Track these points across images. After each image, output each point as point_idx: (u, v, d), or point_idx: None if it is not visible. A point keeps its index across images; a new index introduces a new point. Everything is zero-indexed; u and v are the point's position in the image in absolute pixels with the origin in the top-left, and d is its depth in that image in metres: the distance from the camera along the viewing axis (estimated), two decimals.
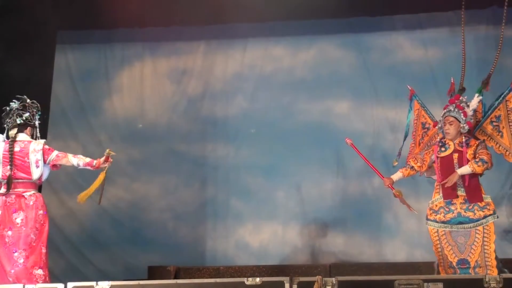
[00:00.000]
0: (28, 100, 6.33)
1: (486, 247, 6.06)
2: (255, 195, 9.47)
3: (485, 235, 6.08)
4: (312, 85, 9.71)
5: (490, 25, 9.08)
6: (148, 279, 8.56)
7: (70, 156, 6.35)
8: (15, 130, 6.23)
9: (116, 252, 9.58)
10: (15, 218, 6.04)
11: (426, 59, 9.37)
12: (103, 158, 6.34)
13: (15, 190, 6.10)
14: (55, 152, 6.34)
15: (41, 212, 6.17)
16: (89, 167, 6.36)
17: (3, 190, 6.09)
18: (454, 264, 6.13)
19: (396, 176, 6.57)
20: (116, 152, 9.70)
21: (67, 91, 10.19)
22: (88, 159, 6.34)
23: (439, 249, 6.22)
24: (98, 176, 6.45)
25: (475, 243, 6.09)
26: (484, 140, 6.38)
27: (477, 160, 6.16)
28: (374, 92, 9.48)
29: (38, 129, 6.39)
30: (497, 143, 6.33)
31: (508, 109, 6.35)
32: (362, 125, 9.42)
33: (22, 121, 6.26)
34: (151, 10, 9.26)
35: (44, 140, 6.36)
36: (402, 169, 6.59)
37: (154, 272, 8.80)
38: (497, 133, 6.35)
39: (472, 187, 6.18)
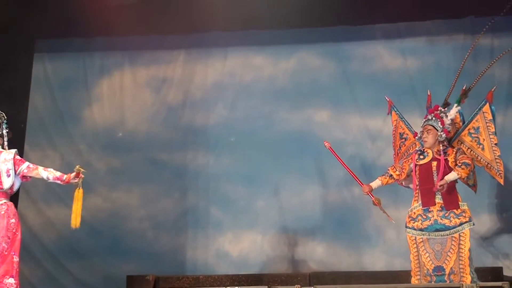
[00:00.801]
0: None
1: (461, 254, 6.18)
2: (235, 204, 9.45)
3: (461, 242, 6.20)
4: (292, 94, 9.72)
5: (468, 34, 9.15)
6: None
7: (40, 168, 6.25)
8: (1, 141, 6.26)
9: (95, 261, 9.51)
10: None
11: (405, 68, 9.43)
12: (73, 174, 6.21)
13: None
14: (26, 164, 6.25)
15: (13, 220, 6.06)
16: (59, 181, 6.25)
17: None
18: (431, 271, 6.22)
19: (375, 183, 6.68)
20: (96, 161, 9.84)
21: (45, 100, 10.13)
22: (58, 173, 6.24)
23: (416, 257, 6.32)
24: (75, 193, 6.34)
25: (451, 250, 6.20)
26: (459, 147, 6.51)
27: (459, 164, 6.29)
28: (353, 101, 9.51)
29: (5, 139, 6.31)
30: (478, 155, 6.44)
31: (486, 121, 6.46)
32: (342, 134, 9.44)
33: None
34: (130, 19, 9.22)
35: (16, 150, 6.27)
36: (381, 177, 6.69)
37: (133, 281, 8.74)
38: (478, 145, 6.46)
39: (449, 194, 6.29)
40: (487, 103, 6.52)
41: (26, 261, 9.54)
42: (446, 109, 6.63)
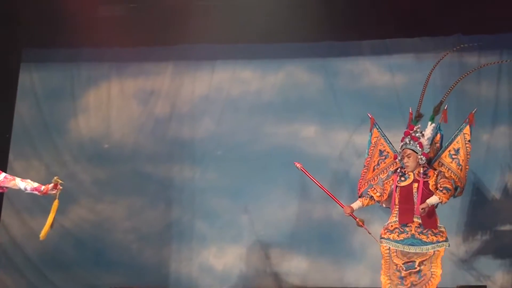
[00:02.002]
0: None
1: (433, 270, 6.28)
2: (220, 218, 9.41)
3: (433, 259, 6.31)
4: (280, 108, 9.71)
5: (455, 52, 9.18)
6: None
7: (18, 179, 6.20)
8: None
9: (79, 273, 9.46)
10: None
11: (393, 85, 9.43)
12: (51, 185, 6.15)
13: None
14: (3, 174, 6.23)
15: None
16: (36, 192, 6.22)
17: None
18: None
19: (356, 205, 6.73)
20: (81, 172, 9.79)
21: (31, 110, 10.09)
22: (36, 184, 6.18)
23: (387, 267, 6.42)
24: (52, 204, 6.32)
25: (425, 260, 6.31)
26: (441, 170, 6.56)
27: (441, 189, 6.38)
28: (340, 116, 9.49)
29: None
30: (458, 176, 6.51)
31: (465, 141, 6.56)
32: (328, 149, 9.43)
33: None
34: (118, 30, 9.21)
35: None
36: (361, 198, 6.78)
37: None
38: (458, 166, 6.53)
39: (428, 215, 6.36)
40: (468, 125, 6.62)
41: (9, 272, 9.51)
42: (419, 126, 6.71)
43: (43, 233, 6.37)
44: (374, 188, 6.76)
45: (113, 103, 10.13)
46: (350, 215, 6.67)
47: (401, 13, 8.70)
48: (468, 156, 6.57)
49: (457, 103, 9.05)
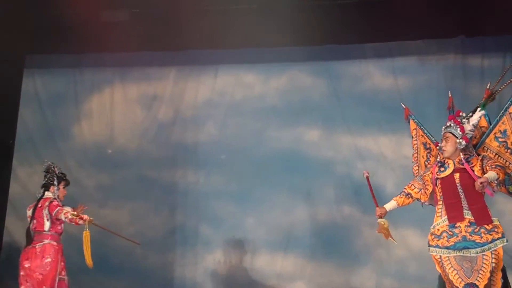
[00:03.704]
0: (49, 163, 7.41)
1: (494, 274, 5.60)
2: (225, 222, 9.41)
3: (494, 261, 5.58)
4: (283, 112, 9.72)
5: (459, 54, 9.19)
6: None
7: (63, 212, 7.06)
8: (42, 189, 7.28)
9: (83, 278, 9.40)
10: None
11: (396, 87, 9.42)
12: (80, 221, 7.07)
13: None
14: (57, 208, 7.09)
15: (48, 260, 7.08)
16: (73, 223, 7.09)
17: None
18: None
19: (390, 205, 6.08)
20: (85, 178, 9.79)
21: (35, 115, 10.10)
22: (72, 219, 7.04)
23: (445, 277, 5.75)
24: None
25: (483, 268, 5.56)
26: (485, 155, 5.88)
27: (493, 166, 5.64)
28: (344, 120, 9.50)
29: (55, 187, 7.30)
30: (506, 161, 5.84)
31: None
32: (332, 153, 9.43)
33: (45, 182, 7.31)
34: (121, 36, 9.21)
35: (52, 197, 7.18)
36: (396, 197, 6.13)
37: None
38: (506, 149, 5.86)
39: (480, 208, 5.69)
40: None
41: (15, 279, 9.48)
42: (470, 114, 6.03)
43: (88, 262, 7.27)
44: (412, 184, 6.12)
45: (116, 108, 10.14)
46: (380, 217, 6.02)
47: (404, 16, 8.68)
48: None
49: (460, 105, 9.04)
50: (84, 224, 7.04)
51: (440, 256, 5.73)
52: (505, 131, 5.87)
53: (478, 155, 5.89)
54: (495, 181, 5.61)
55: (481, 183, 5.45)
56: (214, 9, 9.22)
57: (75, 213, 7.02)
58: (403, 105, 6.67)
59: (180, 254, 9.45)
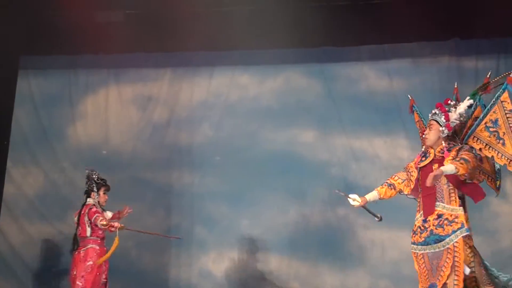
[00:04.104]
0: (88, 170, 7.76)
1: (456, 268, 5.38)
2: (219, 223, 9.41)
3: (455, 253, 5.40)
4: (278, 113, 9.72)
5: (453, 56, 9.22)
6: None
7: (99, 220, 7.36)
8: (85, 195, 7.66)
9: None
10: None
11: (391, 89, 9.43)
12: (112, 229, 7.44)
13: None
14: (95, 215, 7.41)
15: (89, 263, 7.38)
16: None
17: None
18: None
19: (371, 195, 5.88)
20: (80, 179, 9.74)
21: (29, 116, 10.08)
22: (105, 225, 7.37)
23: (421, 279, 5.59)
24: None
25: (445, 264, 5.40)
26: (466, 144, 5.68)
27: (458, 159, 5.44)
28: (339, 121, 9.51)
29: (96, 194, 7.66)
30: (498, 152, 5.55)
31: (506, 111, 5.58)
32: (327, 154, 9.44)
33: (86, 188, 7.68)
34: (116, 37, 9.21)
35: (92, 204, 7.54)
36: (378, 187, 5.91)
37: None
38: (497, 140, 5.57)
39: (446, 193, 5.55)
40: (506, 91, 5.60)
41: (8, 279, 9.48)
42: (457, 102, 5.83)
43: (100, 260, 7.43)
44: (395, 175, 5.92)
45: (111, 109, 10.13)
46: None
47: (398, 18, 8.71)
48: None
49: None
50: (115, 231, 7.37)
51: (417, 253, 5.62)
52: (496, 120, 5.62)
53: (466, 145, 5.71)
54: (466, 175, 5.46)
55: (434, 176, 5.36)
56: (208, 10, 9.22)
57: (105, 223, 7.31)
58: (409, 96, 6.52)
59: (175, 255, 9.44)
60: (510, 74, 5.68)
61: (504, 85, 5.63)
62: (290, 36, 9.11)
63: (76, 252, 7.43)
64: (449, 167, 5.38)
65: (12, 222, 9.65)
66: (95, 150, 9.95)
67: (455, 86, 6.16)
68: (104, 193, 7.70)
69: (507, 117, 5.55)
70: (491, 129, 5.60)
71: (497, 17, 8.44)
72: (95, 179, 7.68)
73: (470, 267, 5.54)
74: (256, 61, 9.90)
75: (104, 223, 7.30)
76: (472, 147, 5.66)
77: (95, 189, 7.64)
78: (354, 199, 5.90)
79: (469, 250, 5.57)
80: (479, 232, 8.92)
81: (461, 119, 5.76)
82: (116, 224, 7.37)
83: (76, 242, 7.50)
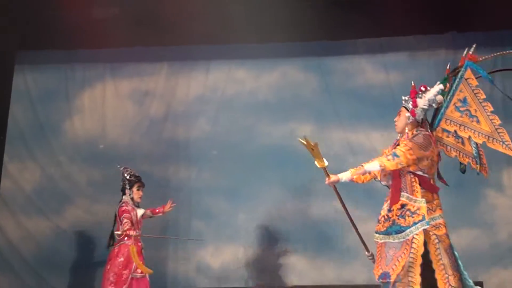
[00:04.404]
0: (120, 168, 7.89)
1: (411, 260, 5.22)
2: (217, 217, 9.42)
3: (413, 246, 5.23)
4: (275, 107, 9.73)
5: (450, 49, 9.21)
6: None
7: (123, 223, 7.48)
8: (121, 193, 7.77)
9: (75, 274, 9.45)
10: None
11: (387, 83, 9.44)
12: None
13: None
14: (123, 215, 7.54)
15: (121, 259, 7.45)
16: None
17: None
18: (377, 278, 5.43)
19: (344, 174, 5.63)
20: (77, 173, 9.79)
21: (26, 111, 10.08)
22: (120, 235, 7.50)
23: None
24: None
25: (402, 255, 5.23)
26: (419, 133, 5.46)
27: (388, 154, 5.40)
28: (336, 115, 9.52)
29: (129, 191, 7.75)
30: (474, 130, 5.40)
31: (472, 88, 5.47)
32: (324, 148, 9.32)
33: (121, 187, 7.79)
34: (113, 31, 9.19)
35: (123, 202, 7.65)
36: (353, 169, 5.66)
37: None
38: (471, 119, 5.41)
39: (394, 186, 5.43)
40: (468, 68, 5.51)
41: (5, 274, 9.49)
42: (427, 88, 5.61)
43: (145, 270, 7.48)
44: (372, 160, 5.66)
45: (108, 103, 10.13)
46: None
47: (395, 12, 8.70)
48: (486, 105, 5.40)
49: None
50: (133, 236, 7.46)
51: (378, 242, 5.52)
52: (464, 99, 5.48)
53: (447, 131, 5.57)
54: (404, 166, 5.31)
55: (328, 183, 5.53)
56: (205, 5, 9.21)
57: (125, 228, 7.41)
58: (412, 83, 6.17)
59: (173, 249, 9.45)
60: (470, 51, 5.62)
61: (466, 62, 5.55)
62: (286, 30, 9.11)
63: (112, 248, 7.55)
64: (371, 166, 5.38)
65: (9, 216, 9.66)
66: (92, 145, 9.96)
67: (447, 68, 5.91)
68: (137, 190, 7.75)
69: (475, 93, 5.45)
70: (461, 109, 5.48)
71: (494, 10, 8.45)
72: (127, 176, 7.77)
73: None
74: (252, 55, 9.91)
75: (118, 233, 7.45)
76: (420, 135, 5.44)
77: (127, 186, 7.73)
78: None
79: (433, 237, 5.40)
80: (477, 225, 9.01)
81: (433, 105, 5.59)
82: (131, 232, 7.42)
83: (113, 238, 7.59)
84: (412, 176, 5.42)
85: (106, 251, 9.39)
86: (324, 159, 5.66)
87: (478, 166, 5.48)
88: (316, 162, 5.70)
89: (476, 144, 5.44)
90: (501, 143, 5.30)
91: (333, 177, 5.65)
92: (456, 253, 5.55)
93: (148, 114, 10.04)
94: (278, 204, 9.38)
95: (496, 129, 5.33)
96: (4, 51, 9.76)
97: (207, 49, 9.97)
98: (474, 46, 5.65)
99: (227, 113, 9.87)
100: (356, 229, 5.86)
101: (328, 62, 9.80)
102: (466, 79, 5.49)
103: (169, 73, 10.13)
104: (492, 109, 5.39)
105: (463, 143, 5.53)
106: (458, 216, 8.96)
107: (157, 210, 7.93)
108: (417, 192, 5.38)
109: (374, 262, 5.63)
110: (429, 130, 5.56)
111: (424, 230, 5.27)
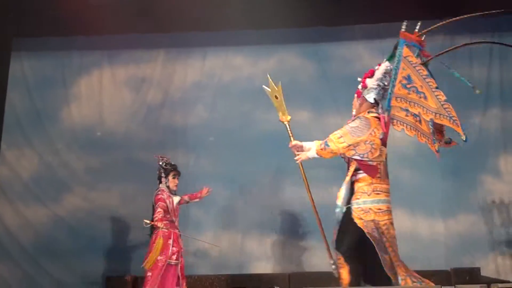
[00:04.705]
0: (156, 157, 7.92)
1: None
2: (215, 204, 9.40)
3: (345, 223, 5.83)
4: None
5: (447, 35, 9.20)
6: None
7: (156, 211, 7.52)
8: (158, 182, 7.81)
9: (73, 261, 9.45)
10: None
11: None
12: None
13: None
14: (157, 204, 7.59)
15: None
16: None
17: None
18: None
19: (308, 143, 6.17)
20: (74, 161, 9.79)
21: (23, 99, 10.06)
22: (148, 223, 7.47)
23: None
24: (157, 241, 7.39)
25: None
26: (359, 117, 5.72)
27: (322, 142, 5.80)
28: (333, 101, 9.51)
29: (165, 179, 7.78)
30: (423, 107, 5.38)
31: (414, 64, 5.51)
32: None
33: (157, 175, 7.82)
34: (109, 18, 9.17)
35: (159, 190, 7.70)
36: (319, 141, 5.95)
37: (111, 282, 8.75)
38: (418, 95, 5.39)
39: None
40: (404, 45, 5.62)
41: (3, 262, 9.50)
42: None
43: (149, 263, 7.36)
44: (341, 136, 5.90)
45: (105, 91, 10.13)
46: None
47: None
48: (430, 81, 5.37)
49: (448, 87, 9.05)
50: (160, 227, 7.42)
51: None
52: (408, 76, 5.47)
53: (405, 110, 5.55)
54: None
55: (297, 159, 5.92)
56: None
57: (148, 221, 7.42)
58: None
59: None
60: (402, 29, 5.74)
61: (401, 41, 5.66)
62: (283, 16, 9.09)
63: (151, 235, 7.58)
64: (311, 153, 5.85)
65: (7, 204, 9.65)
66: (89, 132, 9.95)
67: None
68: (173, 178, 7.79)
69: (417, 70, 5.44)
70: (408, 86, 5.45)
71: None
72: (163, 165, 7.81)
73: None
74: (249, 41, 9.89)
75: (154, 218, 7.47)
76: (357, 119, 5.71)
77: (163, 174, 7.77)
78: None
79: (359, 221, 5.65)
80: (474, 211, 9.03)
81: (381, 84, 5.72)
82: (160, 223, 7.41)
83: (153, 226, 7.58)
84: (351, 160, 5.69)
85: (103, 238, 9.51)
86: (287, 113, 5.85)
87: (435, 146, 5.40)
88: (279, 115, 6.09)
89: (433, 122, 5.36)
90: (448, 118, 5.22)
91: (295, 142, 6.14)
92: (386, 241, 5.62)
93: (145, 101, 10.04)
94: (275, 190, 9.39)
95: (442, 104, 5.26)
96: (1, 38, 9.72)
97: (204, 36, 9.95)
98: (405, 23, 5.81)
99: (224, 99, 9.88)
100: (319, 219, 6.34)
101: (325, 48, 9.79)
102: (405, 57, 5.50)
103: (166, 60, 10.13)
104: (436, 85, 5.35)
105: (420, 122, 5.49)
106: (455, 202, 9.01)
107: (195, 195, 7.96)
108: (347, 176, 5.77)
109: (336, 270, 6.00)
110: (384, 112, 5.61)
111: (351, 211, 5.66)
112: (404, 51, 5.55)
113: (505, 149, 9.18)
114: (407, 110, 5.51)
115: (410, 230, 8.89)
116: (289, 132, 5.83)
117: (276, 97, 5.65)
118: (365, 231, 5.58)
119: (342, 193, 5.83)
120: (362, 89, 5.78)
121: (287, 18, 9.14)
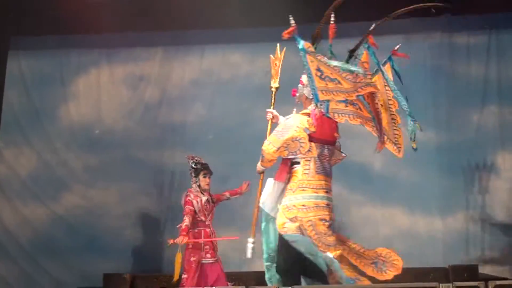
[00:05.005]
0: (187, 157, 7.86)
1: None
2: None
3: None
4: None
5: (445, 32, 9.21)
6: (104, 287, 8.49)
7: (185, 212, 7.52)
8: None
9: (72, 259, 9.46)
10: None
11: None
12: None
13: None
14: (184, 207, 7.53)
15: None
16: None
17: None
18: None
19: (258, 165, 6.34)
20: (73, 159, 9.79)
21: (21, 97, 10.07)
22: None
23: None
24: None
25: None
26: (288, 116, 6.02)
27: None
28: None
29: (195, 178, 7.73)
30: (342, 92, 5.51)
31: (316, 55, 5.72)
32: None
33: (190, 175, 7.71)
34: (107, 16, 9.17)
35: (187, 191, 7.66)
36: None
37: (110, 280, 8.71)
38: (333, 82, 5.52)
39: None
40: (300, 40, 5.85)
41: (2, 261, 9.51)
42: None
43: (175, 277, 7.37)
44: None
45: (103, 89, 10.14)
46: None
47: None
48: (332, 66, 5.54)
49: (447, 83, 9.10)
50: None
51: None
52: (318, 67, 5.58)
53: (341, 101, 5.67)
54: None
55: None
56: None
57: (171, 241, 7.36)
58: None
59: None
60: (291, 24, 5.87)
61: (295, 36, 5.91)
62: (281, 13, 9.05)
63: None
64: (258, 166, 6.24)
65: (5, 203, 9.66)
66: (87, 130, 9.96)
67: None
68: (204, 177, 7.74)
69: (319, 60, 5.61)
70: (322, 77, 5.54)
71: None
72: (193, 164, 7.77)
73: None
74: (247, 39, 9.88)
75: (181, 225, 7.43)
76: (283, 121, 6.13)
77: (193, 174, 7.73)
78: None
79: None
80: (472, 207, 9.03)
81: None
82: (182, 239, 7.35)
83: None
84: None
85: (102, 236, 9.51)
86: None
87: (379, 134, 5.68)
88: (271, 81, 6.38)
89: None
90: (359, 94, 5.46)
91: (274, 111, 6.45)
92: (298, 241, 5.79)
93: (143, 99, 10.05)
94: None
95: (356, 83, 5.42)
96: None
97: (202, 34, 9.96)
98: (290, 17, 5.97)
99: (222, 97, 9.87)
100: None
101: (322, 45, 9.75)
102: (306, 51, 5.70)
103: (164, 58, 10.13)
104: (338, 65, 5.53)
105: (360, 109, 5.72)
106: (453, 199, 9.01)
107: (235, 191, 7.98)
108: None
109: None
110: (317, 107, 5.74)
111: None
112: (304, 44, 5.77)
113: (503, 146, 9.18)
114: (346, 101, 5.60)
115: (408, 228, 8.91)
116: (273, 99, 5.88)
117: (276, 64, 5.81)
118: (281, 232, 5.85)
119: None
120: (299, 86, 6.01)
121: (285, 16, 9.11)
